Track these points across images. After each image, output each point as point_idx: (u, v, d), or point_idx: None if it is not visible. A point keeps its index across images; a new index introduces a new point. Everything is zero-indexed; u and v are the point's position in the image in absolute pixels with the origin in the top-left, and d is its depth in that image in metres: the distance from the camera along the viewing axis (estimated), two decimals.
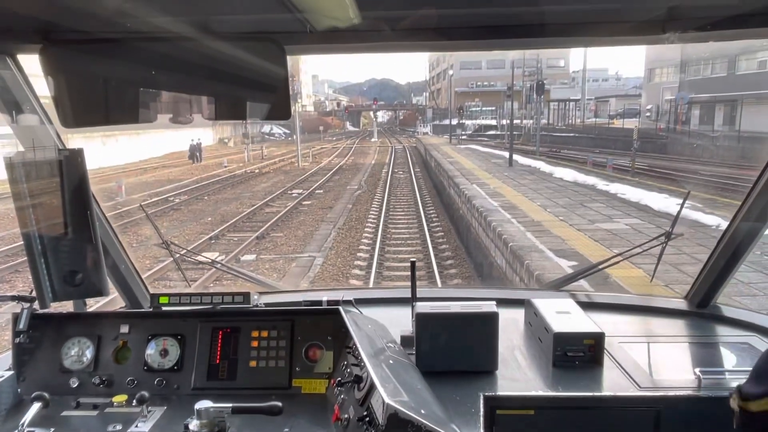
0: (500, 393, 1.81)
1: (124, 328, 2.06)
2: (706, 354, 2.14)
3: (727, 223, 2.28)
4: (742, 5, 1.48)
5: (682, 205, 2.61)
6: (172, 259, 2.82)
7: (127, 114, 1.78)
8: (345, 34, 1.67)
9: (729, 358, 2.09)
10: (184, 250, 3.07)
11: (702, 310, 2.41)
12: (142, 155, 36.29)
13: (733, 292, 6.99)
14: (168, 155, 39.44)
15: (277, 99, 1.71)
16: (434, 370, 1.90)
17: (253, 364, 2.00)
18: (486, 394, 1.78)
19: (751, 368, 1.92)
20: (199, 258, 3.46)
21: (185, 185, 23.57)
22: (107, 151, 31.40)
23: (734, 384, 1.85)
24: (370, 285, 10.56)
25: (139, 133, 36.85)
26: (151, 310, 2.13)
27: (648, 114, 44.73)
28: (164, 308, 2.12)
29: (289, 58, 1.66)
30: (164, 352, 2.03)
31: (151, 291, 2.33)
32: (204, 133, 55.51)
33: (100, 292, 2.06)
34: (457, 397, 1.76)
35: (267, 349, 2.01)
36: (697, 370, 1.87)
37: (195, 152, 36.40)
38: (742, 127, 29.40)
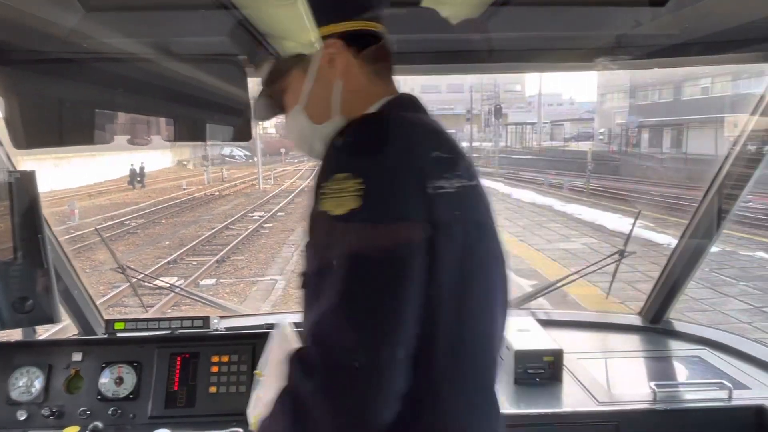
0: None
1: (77, 356, 1.99)
2: (659, 368, 2.21)
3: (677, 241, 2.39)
4: (681, 35, 1.57)
5: (633, 224, 2.71)
6: (128, 284, 2.74)
7: (82, 135, 1.74)
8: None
9: (681, 371, 2.17)
10: (141, 275, 2.99)
11: (655, 326, 2.49)
12: (97, 178, 35.25)
13: (686, 308, 7.25)
14: (125, 178, 38.45)
15: (238, 121, 1.71)
16: None
17: (213, 390, 1.96)
18: None
19: (701, 381, 2.00)
20: (157, 282, 3.37)
21: (142, 208, 22.97)
22: (60, 173, 30.38)
23: (687, 396, 1.93)
24: None
25: (94, 154, 35.76)
26: (105, 336, 2.06)
27: (601, 137, 46.44)
28: (119, 334, 2.06)
29: (250, 80, 1.67)
30: (119, 381, 1.96)
31: (106, 317, 2.26)
32: (162, 156, 54.48)
33: (51, 319, 1.98)
34: None
35: (228, 374, 1.97)
36: (652, 383, 1.93)
37: (135, 178, 34.09)
38: (688, 149, 30.85)
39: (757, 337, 6.10)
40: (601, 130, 47.67)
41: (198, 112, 1.79)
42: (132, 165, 34.34)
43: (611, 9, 1.45)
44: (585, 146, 42.61)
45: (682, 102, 35.82)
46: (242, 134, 1.71)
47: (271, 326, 2.14)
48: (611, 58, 1.81)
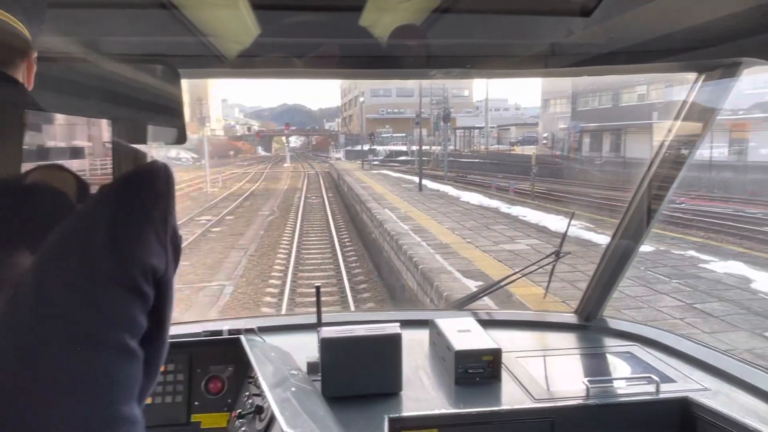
0: (404, 414, 1.83)
1: None
2: (593, 364, 2.30)
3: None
4: (608, 44, 1.64)
5: (567, 225, 2.81)
6: None
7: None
8: (246, 60, 1.66)
9: (613, 367, 2.26)
10: None
11: (590, 323, 2.59)
12: None
13: (622, 305, 7.56)
14: None
15: (174, 123, 1.66)
16: (340, 395, 1.89)
17: (148, 400, 1.88)
18: (390, 416, 1.79)
19: (632, 376, 2.09)
20: None
21: None
22: None
23: (618, 391, 2.01)
24: (283, 312, 10.34)
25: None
26: None
27: (545, 141, 47.97)
28: None
29: (197, 81, 1.63)
30: None
31: None
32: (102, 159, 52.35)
33: None
34: (362, 421, 1.76)
35: (163, 384, 1.91)
36: (585, 380, 2.00)
37: None
38: (626, 153, 32.32)
39: (689, 332, 6.44)
40: (545, 135, 49.24)
41: (134, 113, 1.73)
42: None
43: (545, 18, 1.50)
44: (530, 150, 43.88)
45: (620, 108, 37.51)
46: (177, 137, 1.66)
47: (209, 333, 2.10)
48: (546, 66, 1.87)
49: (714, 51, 1.65)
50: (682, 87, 2.13)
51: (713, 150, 25.83)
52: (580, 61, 1.83)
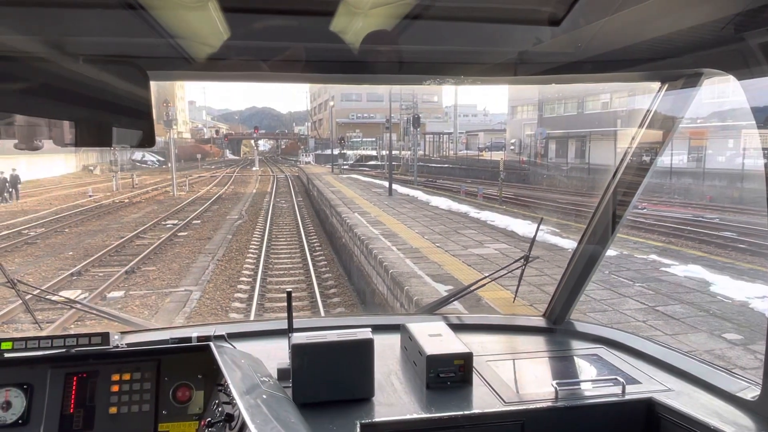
0: (376, 419, 1.83)
1: None
2: (561, 367, 2.34)
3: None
4: (576, 53, 1.68)
5: (536, 231, 2.85)
6: (20, 301, 2.51)
7: None
8: (216, 63, 1.64)
9: (581, 370, 2.30)
10: (36, 290, 2.77)
11: (557, 326, 2.63)
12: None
13: (588, 308, 7.72)
14: (22, 184, 35.45)
15: (141, 125, 1.63)
16: (311, 402, 1.88)
17: (113, 410, 1.84)
18: (362, 421, 1.79)
19: (598, 378, 2.13)
20: (55, 298, 3.13)
21: (42, 216, 21.32)
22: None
23: (585, 393, 2.05)
24: (251, 318, 10.20)
25: None
26: None
27: (512, 147, 48.71)
28: (7, 355, 1.89)
29: (164, 83, 1.60)
30: (6, 405, 1.80)
31: None
32: (66, 161, 50.90)
33: None
34: (333, 428, 1.75)
35: (129, 393, 1.86)
36: (554, 382, 2.03)
37: (4, 189, 27.55)
38: (591, 159, 33.07)
39: (651, 335, 6.62)
40: (513, 141, 50.01)
41: (100, 115, 1.69)
42: (1, 173, 27.34)
43: (515, 27, 1.53)
44: (498, 156, 44.50)
45: (585, 115, 38.42)
46: (146, 139, 1.63)
47: (178, 341, 2.05)
48: (515, 73, 1.90)
49: (676, 62, 1.71)
50: (645, 96, 2.20)
51: (673, 157, 26.69)
52: (548, 70, 1.86)
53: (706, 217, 18.18)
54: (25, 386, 1.83)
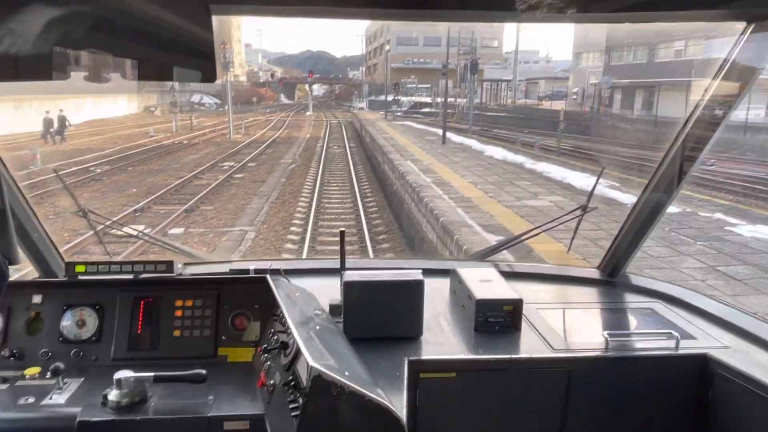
0: (424, 357, 1.87)
1: (37, 299, 1.96)
2: (614, 318, 2.31)
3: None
4: None
5: (596, 181, 2.76)
6: (92, 231, 2.67)
7: (38, 70, 1.65)
8: None
9: (634, 323, 2.26)
10: (106, 221, 2.93)
11: (612, 279, 2.58)
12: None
13: (644, 265, 7.51)
14: (88, 123, 37.10)
15: (203, 61, 1.65)
16: (361, 337, 1.94)
17: (177, 333, 1.97)
18: (410, 358, 1.84)
19: (652, 331, 2.09)
20: (123, 229, 3.32)
21: (107, 155, 22.34)
22: (20, 116, 28.87)
23: (637, 345, 2.02)
24: (303, 258, 10.52)
25: (55, 98, 34.12)
26: (66, 279, 2.04)
27: (574, 97, 46.63)
28: (81, 278, 2.03)
29: (220, 23, 1.60)
30: (81, 323, 1.95)
31: (67, 260, 2.22)
32: (128, 101, 52.65)
33: (10, 260, 1.93)
34: (382, 362, 1.81)
35: (192, 319, 1.98)
36: (605, 333, 2.02)
37: (50, 129, 26.01)
38: (658, 112, 31.28)
39: (709, 295, 6.39)
40: (575, 90, 47.83)
41: (161, 50, 1.72)
42: (47, 113, 25.80)
43: None
44: (558, 105, 42.79)
45: (656, 64, 36.08)
46: (207, 75, 1.65)
47: (236, 272, 2.15)
48: (586, 10, 1.79)
49: None
50: (725, 43, 2.04)
51: (750, 111, 24.85)
52: (622, 7, 1.74)
53: None
54: (97, 307, 1.97)
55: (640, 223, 2.41)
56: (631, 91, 37.75)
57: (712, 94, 2.03)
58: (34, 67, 1.65)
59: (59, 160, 20.29)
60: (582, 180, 13.99)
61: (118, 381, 1.64)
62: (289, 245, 11.61)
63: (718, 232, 9.66)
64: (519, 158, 19.36)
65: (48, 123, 25.77)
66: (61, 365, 1.73)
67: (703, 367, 1.91)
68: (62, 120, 26.71)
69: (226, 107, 40.46)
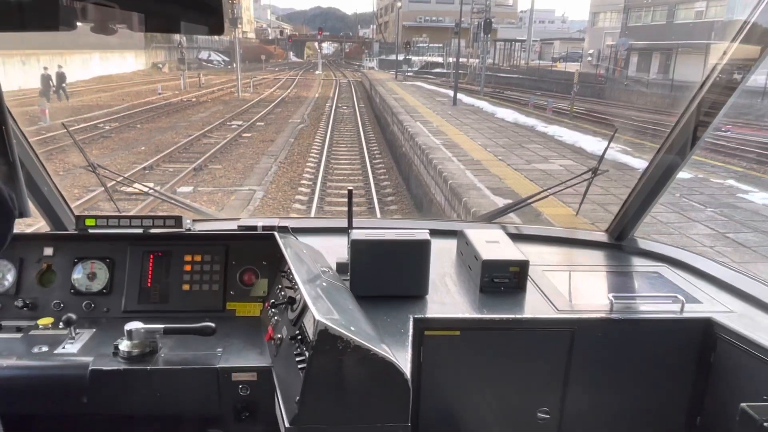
0: (429, 315, 1.89)
1: (48, 251, 1.99)
2: (619, 281, 2.31)
3: None
4: None
5: (609, 142, 2.72)
6: (102, 188, 2.68)
7: (45, 21, 1.63)
8: None
9: (640, 286, 2.27)
10: (117, 176, 2.94)
11: (620, 242, 2.57)
12: (68, 79, 33.54)
13: (653, 231, 7.49)
14: (96, 79, 36.84)
15: (209, 13, 1.61)
16: (367, 295, 1.96)
17: (186, 287, 2.00)
18: (415, 316, 1.86)
19: (657, 294, 2.10)
20: (133, 186, 3.33)
21: (115, 112, 22.26)
22: (27, 72, 28.61)
23: (642, 307, 2.03)
24: (311, 217, 10.57)
25: (62, 53, 33.78)
26: (76, 232, 2.06)
27: (590, 58, 45.55)
28: (91, 231, 2.05)
29: None
30: (92, 276, 1.99)
31: (77, 214, 2.24)
32: (136, 57, 52.09)
33: (21, 212, 1.95)
34: (387, 319, 1.83)
35: (201, 273, 2.01)
36: (610, 295, 2.02)
37: (49, 87, 23.43)
38: (675, 76, 30.54)
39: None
40: (591, 51, 46.69)
41: (168, 2, 1.69)
42: (45, 69, 23.71)
43: None
44: (573, 67, 41.86)
45: (675, 26, 35.02)
46: (214, 28, 1.62)
47: (245, 228, 2.16)
48: None
49: None
50: (747, 2, 1.96)
51: None
52: None
53: None
54: (107, 260, 2.00)
55: (651, 186, 2.38)
56: (647, 54, 36.80)
57: (730, 57, 1.97)
58: (40, 17, 1.63)
59: (68, 116, 20.26)
60: (594, 144, 13.81)
61: (129, 332, 1.68)
62: (298, 205, 11.65)
63: (729, 198, 9.56)
64: (531, 121, 19.10)
65: (46, 79, 23.76)
66: (73, 316, 1.77)
67: (707, 330, 1.92)
68: (61, 77, 24.85)
69: (235, 65, 39.94)
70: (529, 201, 2.81)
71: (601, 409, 2.00)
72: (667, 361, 1.98)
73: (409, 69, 56.04)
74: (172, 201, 3.24)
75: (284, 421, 1.44)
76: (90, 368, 1.65)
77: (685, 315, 1.96)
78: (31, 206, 2.09)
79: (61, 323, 1.77)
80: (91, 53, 38.21)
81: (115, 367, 1.67)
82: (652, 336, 1.97)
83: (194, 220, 2.33)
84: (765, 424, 1.28)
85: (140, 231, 2.06)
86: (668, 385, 2.00)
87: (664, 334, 1.97)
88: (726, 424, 1.86)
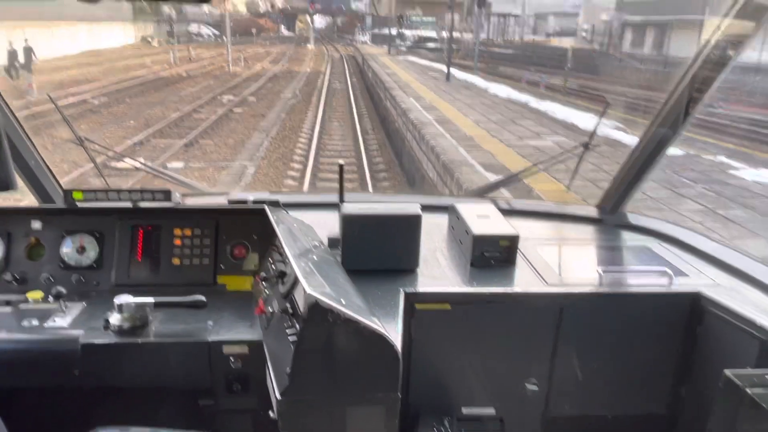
0: (420, 289, 1.91)
1: (36, 225, 1.98)
2: (609, 256, 2.33)
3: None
4: None
5: (601, 115, 2.71)
6: (92, 164, 2.64)
7: None
8: None
9: (629, 260, 2.29)
10: (108, 152, 2.90)
11: (609, 217, 2.59)
12: (55, 52, 32.77)
13: (643, 206, 7.53)
14: (85, 53, 36.13)
15: None
16: (358, 269, 1.96)
17: (176, 261, 1.99)
18: (406, 289, 1.87)
19: (646, 268, 2.12)
20: (123, 160, 3.29)
21: (104, 86, 21.91)
22: (13, 44, 28.00)
23: (630, 281, 2.05)
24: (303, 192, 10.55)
25: (50, 26, 32.97)
26: (64, 206, 2.04)
27: (584, 34, 45.16)
28: (79, 205, 2.03)
29: None
30: (81, 250, 1.98)
31: (65, 187, 2.22)
32: (125, 31, 51.05)
33: (7, 185, 1.93)
34: (378, 293, 1.84)
35: (191, 248, 2.00)
36: (599, 268, 2.04)
37: (14, 63, 21.31)
38: (670, 52, 30.37)
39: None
40: (585, 26, 46.27)
41: None
42: (11, 45, 21.55)
43: None
44: (568, 42, 41.51)
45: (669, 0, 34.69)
46: None
47: (236, 202, 2.15)
48: None
49: None
50: None
51: (763, 53, 24.10)
52: None
53: None
54: (96, 234, 1.99)
55: (642, 161, 2.39)
56: (641, 30, 36.52)
57: (723, 32, 1.96)
58: None
59: (56, 90, 19.92)
60: (587, 120, 13.79)
61: (120, 306, 1.68)
62: (290, 181, 11.60)
63: (720, 175, 9.62)
64: (524, 97, 19.01)
65: (12, 55, 21.53)
66: (62, 289, 1.76)
67: (694, 304, 1.95)
68: (28, 52, 22.26)
69: (225, 38, 39.28)
70: (520, 175, 2.81)
71: (588, 380, 2.04)
72: (654, 333, 2.01)
73: (402, 43, 55.35)
74: (163, 175, 3.21)
75: (275, 393, 1.45)
76: (81, 342, 1.65)
77: (674, 289, 1.98)
78: (19, 180, 2.07)
79: (50, 297, 1.77)
80: (76, 25, 37.33)
81: (106, 341, 1.67)
82: (640, 309, 2.00)
83: (184, 195, 2.31)
84: (747, 389, 1.31)
85: (129, 205, 2.04)
86: (655, 356, 2.03)
87: (652, 308, 2.00)
88: (710, 393, 1.90)
